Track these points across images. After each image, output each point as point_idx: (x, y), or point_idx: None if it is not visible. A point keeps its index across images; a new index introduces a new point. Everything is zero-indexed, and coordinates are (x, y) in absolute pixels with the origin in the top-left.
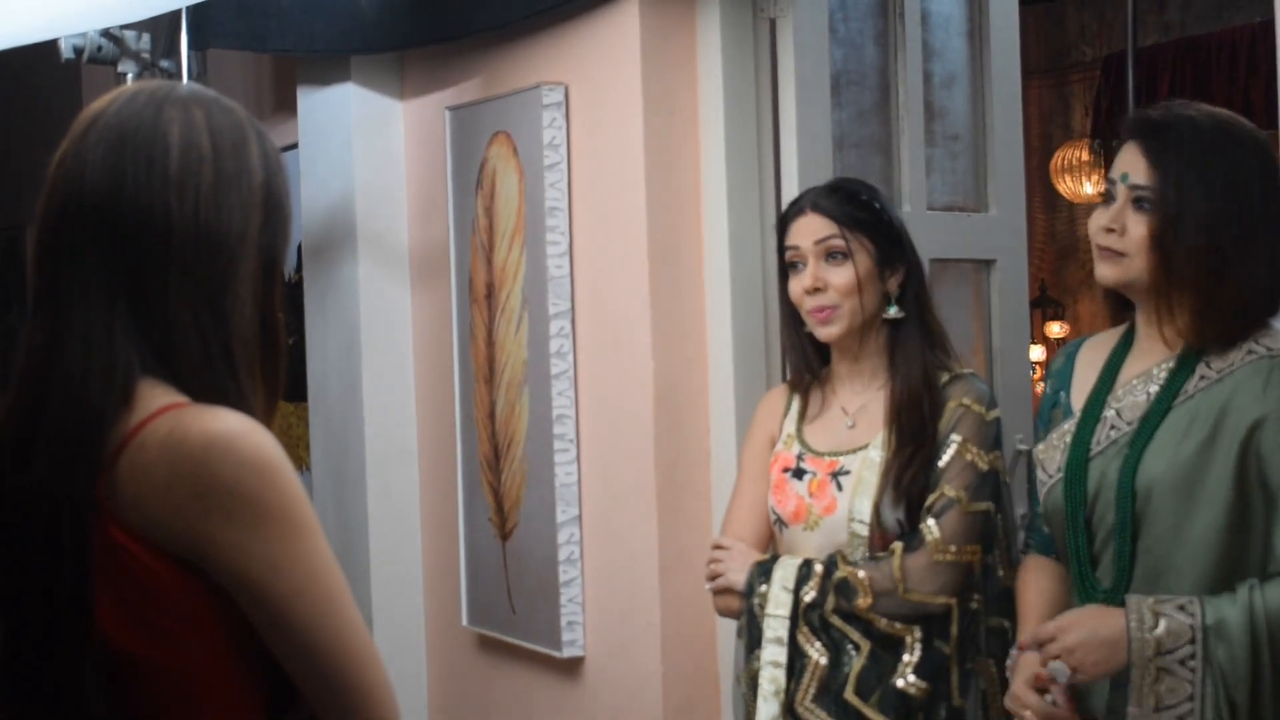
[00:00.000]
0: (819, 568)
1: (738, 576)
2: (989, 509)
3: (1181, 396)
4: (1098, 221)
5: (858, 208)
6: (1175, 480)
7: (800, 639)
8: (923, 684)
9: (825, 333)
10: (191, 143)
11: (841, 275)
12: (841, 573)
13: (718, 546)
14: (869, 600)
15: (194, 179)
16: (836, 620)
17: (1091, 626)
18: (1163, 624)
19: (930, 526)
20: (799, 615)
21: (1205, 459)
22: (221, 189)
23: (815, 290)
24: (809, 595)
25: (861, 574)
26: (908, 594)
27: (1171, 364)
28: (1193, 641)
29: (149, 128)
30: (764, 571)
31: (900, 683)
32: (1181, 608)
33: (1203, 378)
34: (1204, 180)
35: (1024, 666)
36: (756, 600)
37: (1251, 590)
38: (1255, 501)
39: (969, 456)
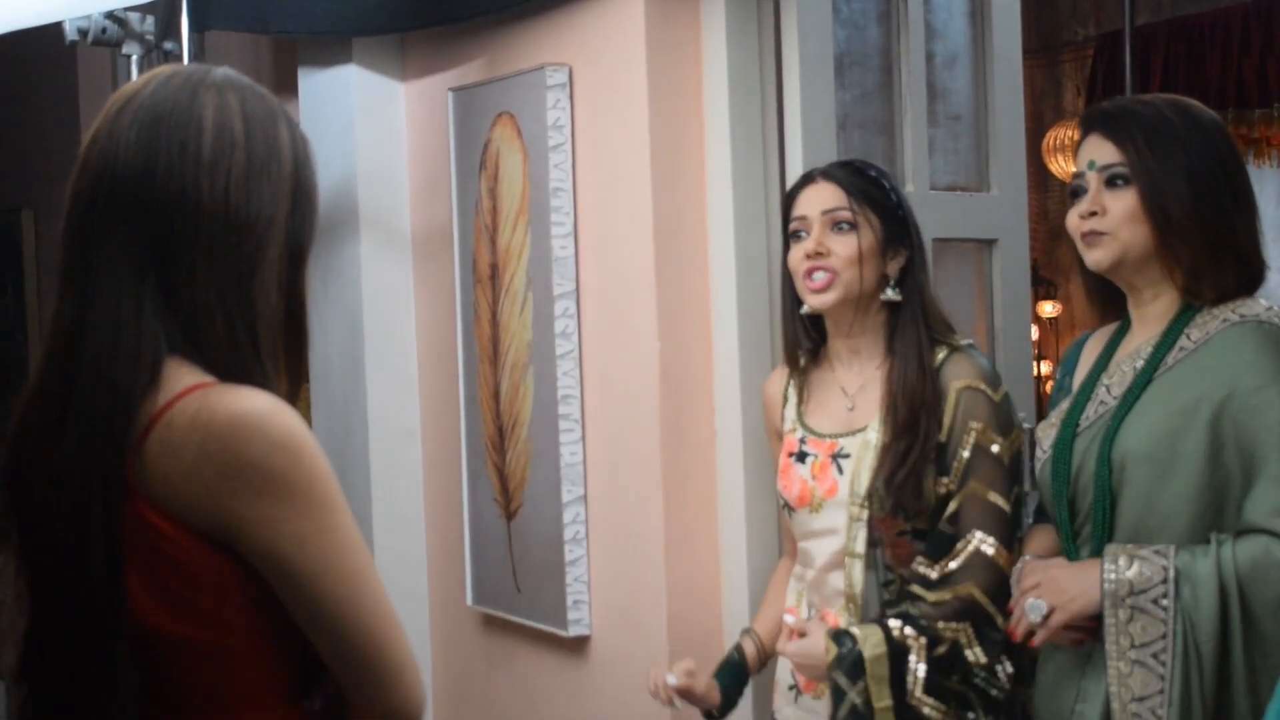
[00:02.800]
0: (912, 661)
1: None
2: (1019, 493)
3: (1162, 369)
4: (1075, 213)
5: (868, 183)
6: (1149, 450)
7: (913, 705)
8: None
9: (818, 300)
10: (225, 126)
11: (846, 245)
12: (942, 648)
13: (797, 633)
14: (982, 658)
15: (226, 162)
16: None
17: (1068, 566)
18: (1136, 565)
19: (987, 541)
20: (909, 695)
21: (1180, 428)
22: (252, 174)
23: (817, 254)
24: (917, 688)
25: (959, 635)
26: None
27: (1157, 339)
28: (1165, 582)
29: (184, 110)
30: (850, 669)
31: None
32: (1157, 551)
33: (1181, 349)
34: (1174, 144)
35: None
36: (857, 698)
37: (1222, 544)
38: (1232, 469)
39: (995, 449)
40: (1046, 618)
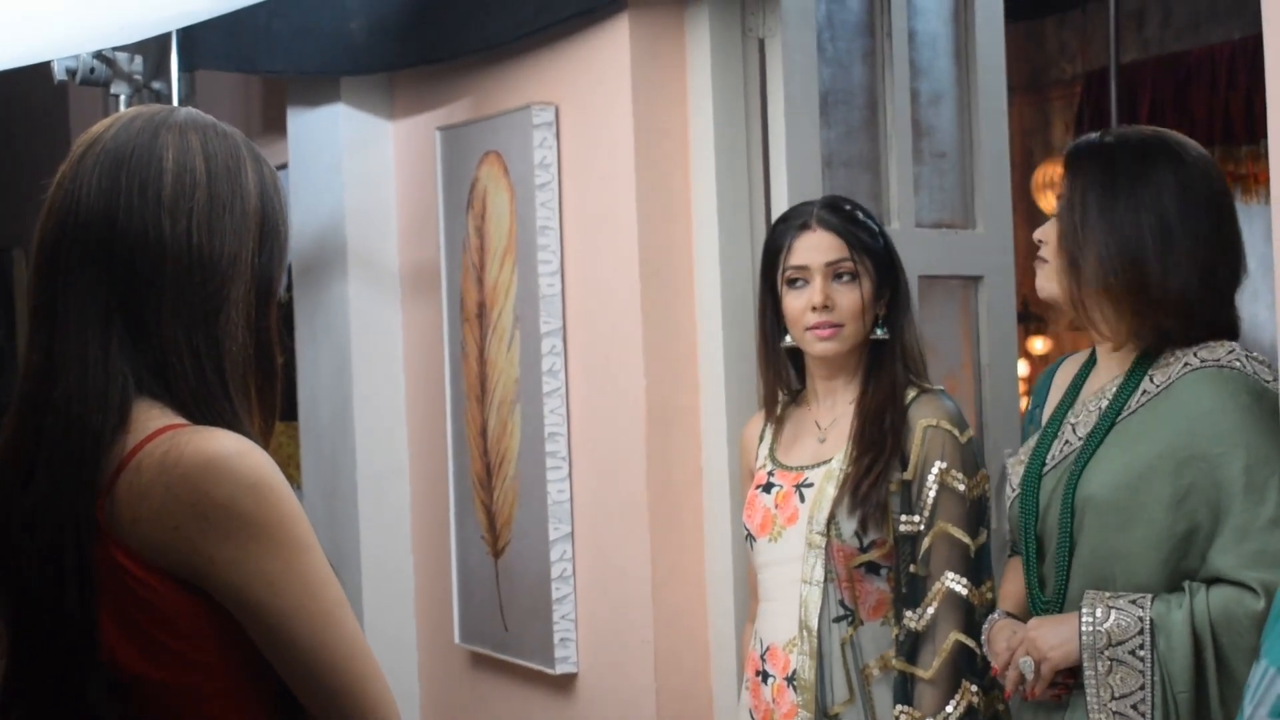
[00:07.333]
0: None
1: None
2: (985, 538)
3: (1125, 412)
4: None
5: (862, 230)
6: (1110, 498)
7: None
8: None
9: (825, 349)
10: (186, 166)
11: (850, 297)
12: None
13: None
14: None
15: (187, 202)
16: None
17: (1044, 621)
18: (1113, 616)
19: (959, 582)
20: None
21: (1142, 476)
22: (215, 213)
23: (824, 308)
24: None
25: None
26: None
27: (1121, 379)
28: (1141, 633)
29: (144, 151)
30: None
31: None
32: (1133, 602)
33: (1144, 392)
34: (1109, 192)
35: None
36: None
37: (1195, 594)
38: (1197, 517)
39: (961, 488)
40: (1036, 672)
